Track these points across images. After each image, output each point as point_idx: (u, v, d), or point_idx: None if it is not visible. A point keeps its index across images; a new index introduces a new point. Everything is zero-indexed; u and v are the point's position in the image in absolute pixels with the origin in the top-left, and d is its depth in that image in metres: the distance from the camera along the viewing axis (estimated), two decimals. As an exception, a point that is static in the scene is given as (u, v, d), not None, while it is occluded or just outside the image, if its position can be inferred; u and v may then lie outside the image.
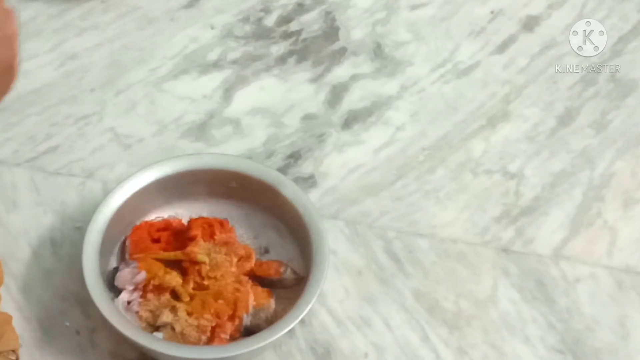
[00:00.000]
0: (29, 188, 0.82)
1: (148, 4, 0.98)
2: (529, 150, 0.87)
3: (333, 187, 0.83)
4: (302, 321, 0.69)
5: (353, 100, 0.91)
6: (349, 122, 0.89)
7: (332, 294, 0.76)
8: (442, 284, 0.77)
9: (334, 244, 0.78)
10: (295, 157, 0.86)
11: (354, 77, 0.93)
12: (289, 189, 0.75)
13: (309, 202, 0.75)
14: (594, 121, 0.90)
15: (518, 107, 0.91)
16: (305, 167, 0.85)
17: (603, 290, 0.77)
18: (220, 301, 0.70)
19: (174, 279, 0.71)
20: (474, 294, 0.77)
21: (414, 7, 1.00)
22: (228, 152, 0.85)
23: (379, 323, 0.75)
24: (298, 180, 0.83)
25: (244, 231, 0.77)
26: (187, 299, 0.70)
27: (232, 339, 0.69)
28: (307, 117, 0.89)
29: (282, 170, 0.84)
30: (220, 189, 0.78)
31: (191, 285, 0.71)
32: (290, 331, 0.68)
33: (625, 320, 0.76)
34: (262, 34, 0.96)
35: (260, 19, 0.98)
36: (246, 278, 0.73)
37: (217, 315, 0.70)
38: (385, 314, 0.75)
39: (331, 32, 0.97)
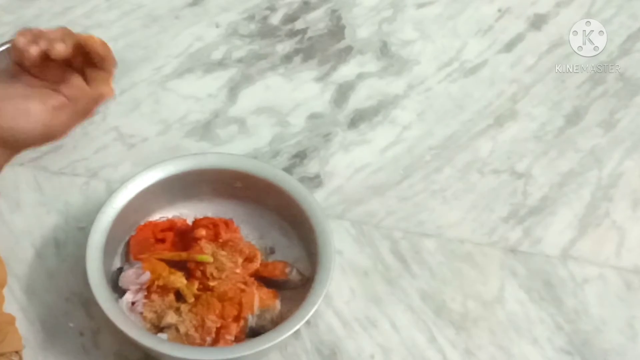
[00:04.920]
0: (33, 188, 0.81)
1: (152, 2, 0.97)
2: (536, 150, 0.86)
3: (339, 187, 0.83)
4: (307, 322, 0.69)
5: (359, 99, 0.90)
6: (355, 121, 0.88)
7: (338, 294, 0.75)
8: (449, 285, 0.77)
9: (340, 244, 0.78)
10: (300, 156, 0.85)
11: (360, 76, 0.92)
12: (294, 188, 0.74)
13: (314, 202, 0.74)
14: (602, 120, 0.89)
15: (525, 106, 0.90)
16: (311, 167, 0.84)
17: (611, 291, 0.77)
18: (226, 302, 0.70)
19: (178, 279, 0.71)
20: (481, 295, 0.76)
21: (420, 5, 0.99)
22: (233, 151, 0.84)
23: (386, 324, 0.74)
24: (304, 180, 0.82)
25: (249, 231, 0.77)
26: (191, 299, 0.70)
27: (237, 340, 0.69)
28: (313, 116, 0.88)
29: (288, 169, 0.83)
30: (225, 189, 0.77)
31: (196, 286, 0.71)
32: (296, 332, 0.68)
33: (634, 321, 0.75)
34: (267, 32, 0.96)
35: (265, 17, 0.97)
36: (251, 279, 0.72)
37: (222, 317, 0.69)
38: (392, 314, 0.75)
39: (337, 30, 0.96)
